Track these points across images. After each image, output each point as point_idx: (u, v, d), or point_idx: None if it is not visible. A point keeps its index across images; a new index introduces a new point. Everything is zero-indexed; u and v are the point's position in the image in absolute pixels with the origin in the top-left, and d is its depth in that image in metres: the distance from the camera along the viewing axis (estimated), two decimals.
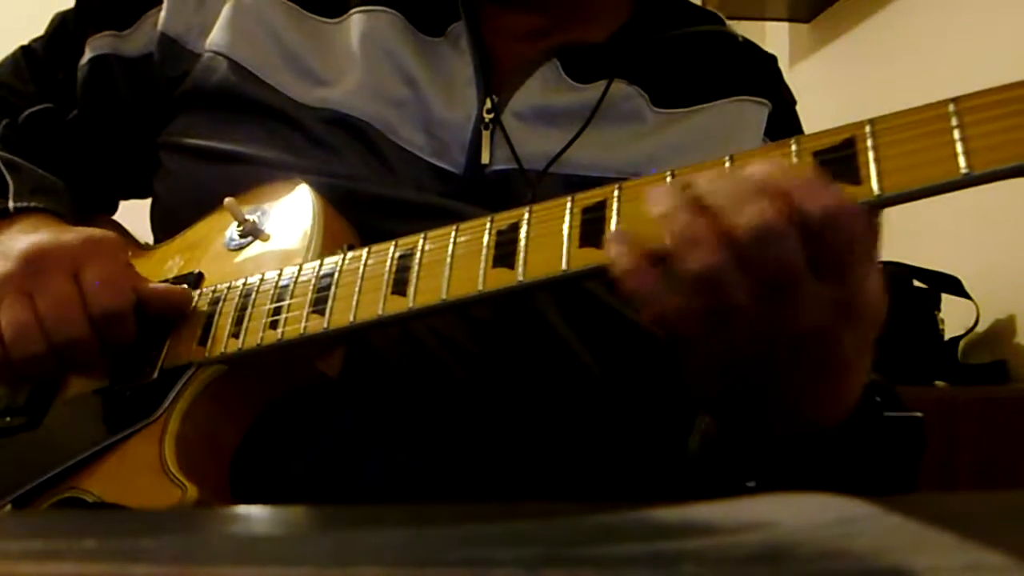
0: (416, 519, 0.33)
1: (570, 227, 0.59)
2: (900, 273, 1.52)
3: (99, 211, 0.93)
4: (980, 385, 1.57)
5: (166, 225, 0.84)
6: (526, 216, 0.61)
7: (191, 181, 0.82)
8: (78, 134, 0.89)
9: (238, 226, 0.76)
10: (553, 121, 0.80)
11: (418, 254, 0.65)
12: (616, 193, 0.59)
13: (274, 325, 0.68)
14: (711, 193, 0.52)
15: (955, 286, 1.60)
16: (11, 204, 0.80)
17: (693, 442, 0.71)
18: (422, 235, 0.65)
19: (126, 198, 0.96)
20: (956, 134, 0.50)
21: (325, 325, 0.66)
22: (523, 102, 0.81)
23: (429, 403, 0.74)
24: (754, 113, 0.85)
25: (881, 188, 0.51)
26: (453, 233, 0.64)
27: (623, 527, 0.29)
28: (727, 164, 0.56)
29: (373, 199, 0.76)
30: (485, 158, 0.79)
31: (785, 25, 2.32)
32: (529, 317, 0.74)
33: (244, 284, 0.72)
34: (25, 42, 0.94)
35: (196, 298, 0.74)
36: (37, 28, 0.94)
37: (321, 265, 0.69)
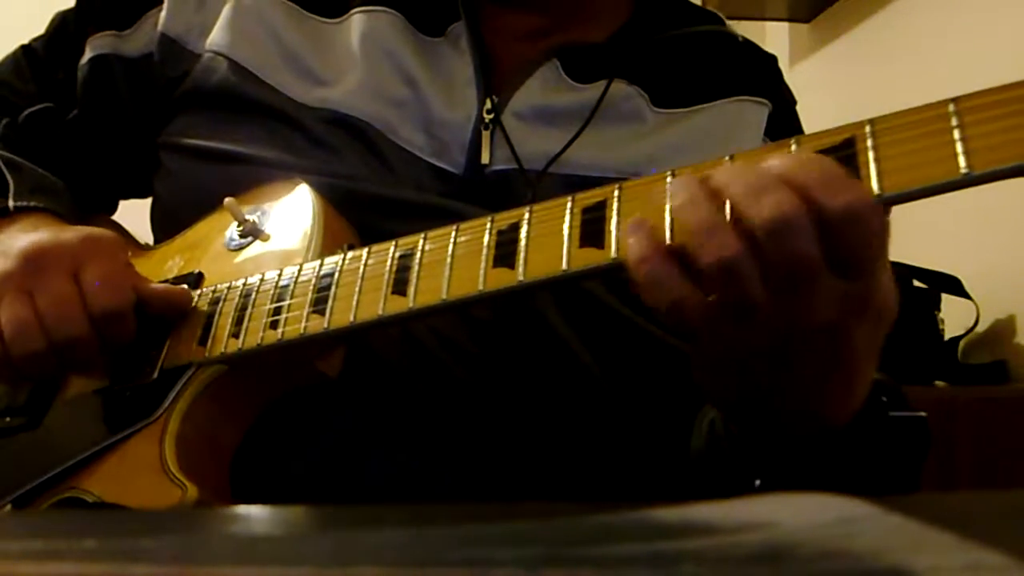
0: (416, 519, 0.32)
1: (570, 227, 0.59)
2: (900, 273, 1.51)
3: (99, 211, 0.93)
4: (980, 385, 1.57)
5: (166, 225, 0.84)
6: (526, 216, 0.61)
7: (191, 181, 0.82)
8: (78, 134, 0.89)
9: (238, 226, 0.76)
10: (553, 121, 0.80)
11: (418, 254, 0.65)
12: (616, 193, 0.59)
13: (274, 325, 0.68)
14: (730, 184, 0.52)
15: (955, 286, 1.60)
16: (11, 203, 0.80)
17: (697, 440, 0.71)
18: (422, 235, 0.65)
19: (126, 198, 0.96)
20: (956, 134, 0.50)
21: (325, 325, 0.66)
22: (523, 102, 0.81)
23: (429, 403, 0.74)
24: (754, 113, 0.85)
25: (881, 188, 0.51)
26: (453, 233, 0.64)
27: (623, 527, 0.29)
28: (719, 168, 0.56)
29: (373, 199, 0.76)
30: (485, 158, 0.79)
31: (785, 25, 2.32)
32: (529, 317, 0.74)
33: (244, 284, 0.72)
34: (25, 41, 0.94)
35: (196, 298, 0.74)
36: (37, 28, 0.94)
37: (321, 265, 0.69)
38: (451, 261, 0.63)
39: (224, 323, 0.70)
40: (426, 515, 0.33)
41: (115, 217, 0.95)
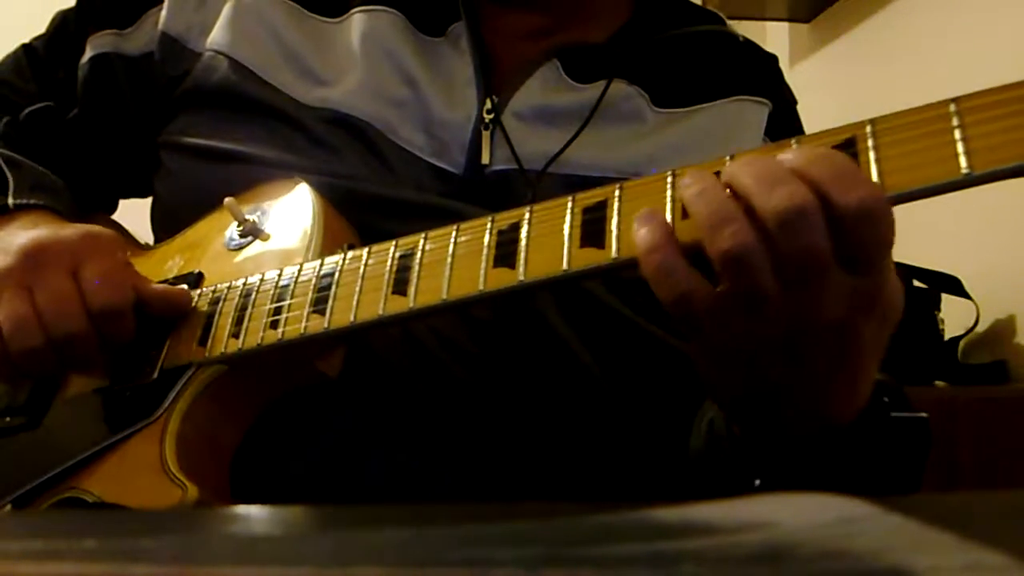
0: (416, 519, 0.32)
1: (571, 227, 0.59)
2: (900, 273, 1.52)
3: (99, 210, 0.93)
4: (980, 385, 1.57)
5: (166, 224, 0.84)
6: (527, 216, 0.61)
7: (191, 180, 0.82)
8: (79, 133, 0.89)
9: (238, 226, 0.76)
10: (553, 121, 0.80)
11: (419, 254, 0.65)
12: (617, 193, 0.59)
13: (274, 325, 0.68)
14: (743, 176, 0.52)
15: (955, 286, 1.60)
16: (11, 201, 0.80)
17: (696, 440, 0.71)
18: (423, 235, 0.65)
19: (126, 197, 0.96)
20: (957, 134, 0.50)
21: (325, 325, 0.66)
22: (523, 102, 0.81)
23: (429, 403, 0.74)
24: (754, 113, 0.85)
25: (882, 188, 0.51)
26: (454, 233, 0.64)
27: (623, 527, 0.29)
28: (727, 164, 0.56)
29: (373, 199, 0.76)
30: (485, 158, 0.79)
31: (785, 25, 2.32)
32: (529, 317, 0.74)
33: (244, 284, 0.72)
34: (26, 41, 0.94)
35: (196, 298, 0.74)
36: (38, 27, 0.94)
37: (321, 265, 0.69)
38: (451, 261, 0.63)
39: (224, 323, 0.70)
40: (426, 515, 0.33)
41: (115, 217, 0.95)
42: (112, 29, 0.88)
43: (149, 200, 0.90)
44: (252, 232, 0.76)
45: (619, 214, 0.58)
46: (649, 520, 0.30)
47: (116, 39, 0.88)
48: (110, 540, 0.29)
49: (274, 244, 0.74)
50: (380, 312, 0.64)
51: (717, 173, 0.54)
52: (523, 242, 0.60)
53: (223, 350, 0.69)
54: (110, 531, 0.35)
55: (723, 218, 0.51)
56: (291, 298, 0.68)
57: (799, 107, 0.90)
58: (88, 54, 0.88)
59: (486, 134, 0.79)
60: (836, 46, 2.16)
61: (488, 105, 0.80)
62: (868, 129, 0.53)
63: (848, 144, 0.53)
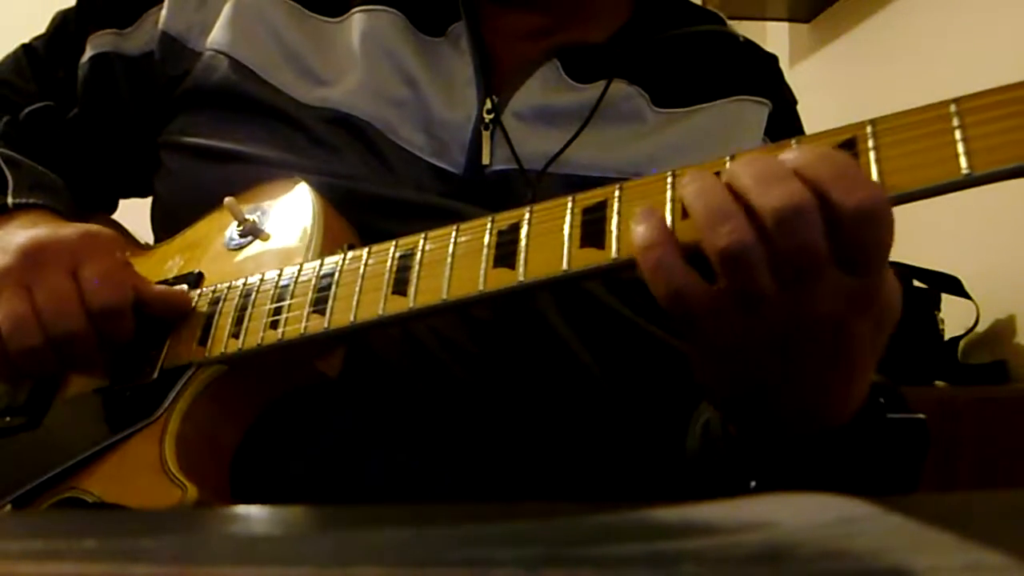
0: (416, 519, 0.32)
1: (571, 227, 0.59)
2: (900, 273, 1.51)
3: (99, 210, 0.93)
4: (980, 385, 1.57)
5: (166, 224, 0.84)
6: (527, 216, 0.61)
7: (191, 180, 0.82)
8: (79, 132, 0.89)
9: (238, 226, 0.76)
10: (553, 121, 0.80)
11: (419, 254, 0.64)
12: (617, 193, 0.59)
13: (274, 325, 0.68)
14: (743, 174, 0.52)
15: (955, 286, 1.60)
16: (10, 200, 0.80)
17: (692, 442, 0.71)
18: (423, 235, 0.65)
19: (126, 197, 0.96)
20: (957, 134, 0.50)
21: (325, 325, 0.66)
22: (523, 102, 0.81)
23: (429, 403, 0.74)
24: (754, 113, 0.85)
25: (883, 188, 0.51)
26: (454, 233, 0.64)
27: (623, 527, 0.29)
28: (727, 164, 0.56)
29: (373, 199, 0.76)
30: (485, 158, 0.79)
31: (785, 25, 2.32)
32: (529, 317, 0.74)
33: (244, 284, 0.72)
34: (26, 41, 0.94)
35: (196, 298, 0.74)
36: (38, 27, 0.94)
37: (321, 265, 0.69)
38: (451, 261, 0.63)
39: (224, 323, 0.70)
40: (426, 515, 0.33)
41: (115, 217, 0.95)
42: (112, 29, 0.88)
43: (149, 200, 0.90)
44: (252, 232, 0.76)
45: (619, 214, 0.58)
46: (649, 520, 0.30)
47: (116, 39, 0.88)
48: (110, 540, 0.29)
49: (274, 244, 0.74)
50: (380, 312, 0.64)
51: (717, 173, 0.54)
52: (523, 242, 0.60)
53: (223, 350, 0.69)
54: (110, 531, 0.35)
55: (721, 216, 0.51)
56: (291, 298, 0.68)
57: (799, 107, 0.90)
58: (88, 54, 0.88)
59: (486, 134, 0.79)
60: (836, 46, 2.16)
61: (488, 105, 0.80)
62: (868, 129, 0.53)
63: (848, 144, 0.53)
